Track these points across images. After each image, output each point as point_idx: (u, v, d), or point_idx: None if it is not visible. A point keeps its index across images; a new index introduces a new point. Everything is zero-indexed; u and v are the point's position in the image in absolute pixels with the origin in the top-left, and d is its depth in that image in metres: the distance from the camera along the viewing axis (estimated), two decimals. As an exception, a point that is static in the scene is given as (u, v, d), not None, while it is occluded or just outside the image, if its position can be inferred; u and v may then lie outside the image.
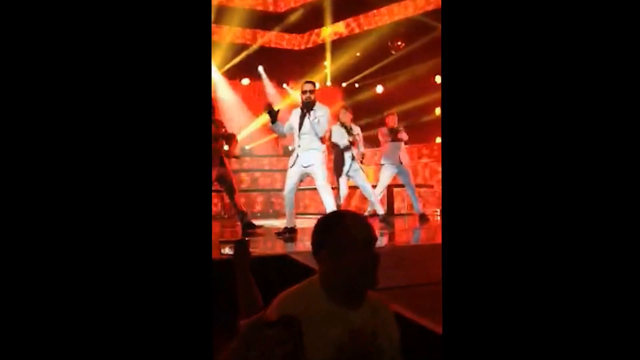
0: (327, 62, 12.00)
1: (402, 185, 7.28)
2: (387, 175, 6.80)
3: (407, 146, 7.05)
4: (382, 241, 4.58)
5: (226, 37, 11.08)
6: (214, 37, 10.59)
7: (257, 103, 11.53)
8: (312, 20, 11.59)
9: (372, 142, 8.34)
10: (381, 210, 6.03)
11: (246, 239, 2.12)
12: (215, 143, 5.21)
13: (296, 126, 4.94)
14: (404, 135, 6.75)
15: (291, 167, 5.00)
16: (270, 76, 11.86)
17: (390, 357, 1.55)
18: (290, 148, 10.17)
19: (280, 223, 5.82)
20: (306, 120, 4.89)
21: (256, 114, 11.39)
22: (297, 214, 5.53)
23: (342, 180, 6.23)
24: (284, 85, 11.91)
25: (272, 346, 1.20)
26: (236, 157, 6.08)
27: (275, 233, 5.08)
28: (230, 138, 5.45)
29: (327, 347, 1.43)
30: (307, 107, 4.92)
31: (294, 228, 5.01)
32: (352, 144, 6.06)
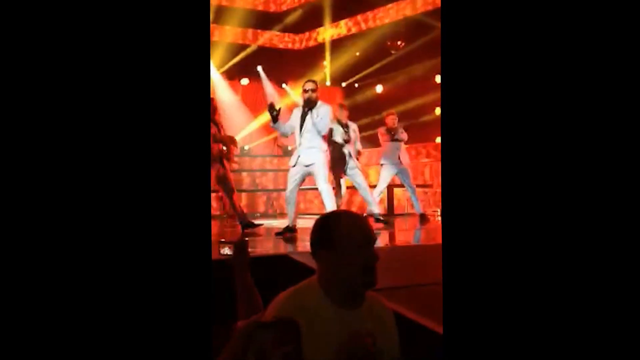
0: (327, 62, 11.99)
1: (402, 186, 7.28)
2: (386, 175, 6.79)
3: (406, 146, 7.05)
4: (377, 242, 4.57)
5: (225, 37, 11.07)
6: (213, 37, 10.58)
7: (256, 103, 11.53)
8: (311, 20, 11.58)
9: (372, 142, 8.33)
10: (376, 210, 6.03)
11: (245, 239, 2.11)
12: (216, 144, 5.22)
13: (297, 125, 4.93)
14: (403, 135, 6.75)
15: (293, 166, 4.98)
16: (270, 76, 11.85)
17: (390, 357, 1.54)
18: (289, 148, 10.17)
19: (279, 223, 5.82)
20: (308, 118, 4.88)
21: (255, 114, 11.38)
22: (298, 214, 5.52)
23: (342, 180, 6.24)
24: (283, 85, 11.90)
25: (271, 347, 1.19)
26: (235, 160, 6.08)
27: (276, 233, 5.07)
28: (230, 141, 5.45)
29: (326, 348, 1.43)
30: (308, 105, 4.91)
31: (294, 227, 5.00)
32: (346, 141, 6.06)
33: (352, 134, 6.22)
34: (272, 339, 1.21)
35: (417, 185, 7.39)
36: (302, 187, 5.23)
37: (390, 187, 7.67)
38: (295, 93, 11.18)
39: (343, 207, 6.69)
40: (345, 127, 6.16)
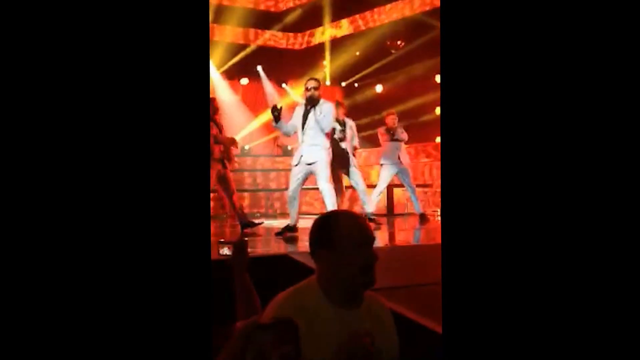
0: (327, 62, 11.99)
1: (402, 185, 7.27)
2: (386, 175, 6.79)
3: (406, 146, 7.05)
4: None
5: (225, 36, 11.07)
6: (213, 37, 10.58)
7: (256, 103, 11.53)
8: (311, 19, 11.58)
9: (372, 142, 8.33)
10: (370, 209, 6.03)
11: (245, 239, 2.11)
12: (217, 145, 5.22)
13: (299, 123, 4.92)
14: (403, 135, 6.75)
15: (295, 165, 4.98)
16: (269, 76, 11.85)
17: (389, 357, 1.54)
18: (289, 148, 10.17)
19: (279, 223, 5.81)
20: (311, 116, 4.87)
21: (255, 113, 11.38)
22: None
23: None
24: (283, 85, 11.90)
25: (270, 348, 1.19)
26: (235, 160, 6.09)
27: (275, 233, 5.06)
28: (230, 143, 5.45)
29: (326, 348, 1.43)
30: (311, 102, 4.90)
31: (295, 226, 4.98)
32: (341, 139, 6.06)
33: (348, 131, 6.22)
34: (271, 339, 1.20)
35: (417, 185, 7.39)
36: (304, 187, 5.22)
37: (390, 187, 7.67)
38: (295, 93, 11.18)
39: (343, 207, 6.69)
40: (342, 124, 6.16)
